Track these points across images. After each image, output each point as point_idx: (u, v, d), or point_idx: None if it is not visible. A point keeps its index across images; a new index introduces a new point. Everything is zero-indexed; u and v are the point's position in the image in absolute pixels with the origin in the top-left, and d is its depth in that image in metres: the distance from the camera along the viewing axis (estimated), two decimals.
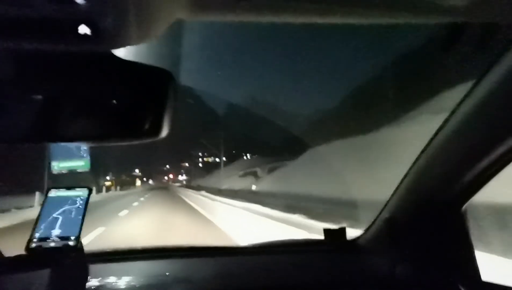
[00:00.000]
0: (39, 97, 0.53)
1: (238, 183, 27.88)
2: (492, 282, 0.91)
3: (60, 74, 0.53)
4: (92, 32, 0.39)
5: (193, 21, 0.53)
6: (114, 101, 0.55)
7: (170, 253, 1.30)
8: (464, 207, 0.94)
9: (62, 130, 0.54)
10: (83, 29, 0.39)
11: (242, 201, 15.83)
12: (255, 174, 28.83)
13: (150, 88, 0.55)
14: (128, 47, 0.49)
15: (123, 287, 0.98)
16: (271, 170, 25.64)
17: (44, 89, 0.53)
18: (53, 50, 0.46)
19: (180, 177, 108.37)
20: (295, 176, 17.75)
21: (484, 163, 0.80)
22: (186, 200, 20.19)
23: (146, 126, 0.55)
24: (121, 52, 0.53)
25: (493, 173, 0.82)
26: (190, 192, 32.81)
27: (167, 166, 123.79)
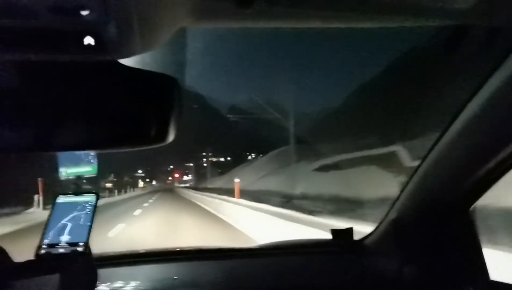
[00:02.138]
0: (46, 107, 0.55)
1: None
2: (501, 282, 0.93)
3: (66, 84, 0.55)
4: (96, 42, 0.40)
5: (196, 30, 0.56)
6: (120, 109, 0.57)
7: (177, 256, 1.34)
8: (471, 207, 0.96)
9: (69, 139, 0.57)
10: (88, 40, 0.40)
11: None
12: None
13: (156, 94, 0.57)
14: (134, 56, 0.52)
15: None
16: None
17: (51, 99, 0.55)
18: (59, 60, 0.49)
19: (186, 178, 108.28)
20: None
21: (492, 163, 0.82)
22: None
23: (153, 132, 0.57)
24: (126, 60, 0.56)
25: (501, 173, 0.84)
26: (210, 197, 18.28)
27: (171, 166, 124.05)
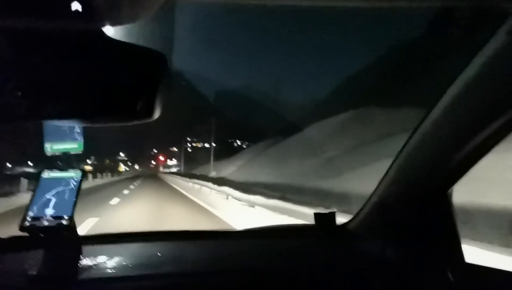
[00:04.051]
0: (28, 75, 0.56)
1: None
2: (475, 264, 1.00)
3: (50, 52, 0.55)
4: (84, 8, 0.41)
5: (186, 3, 0.57)
6: (105, 81, 0.58)
7: (162, 237, 1.39)
8: (449, 190, 1.01)
9: (50, 109, 0.57)
10: (76, 6, 0.40)
11: None
12: None
13: (143, 69, 0.58)
14: (121, 28, 0.53)
15: (115, 266, 1.05)
16: None
17: (34, 67, 0.56)
18: (45, 27, 0.49)
19: (170, 162, 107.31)
20: None
21: (469, 147, 0.86)
22: None
23: (138, 107, 0.58)
24: (114, 32, 0.57)
25: (478, 157, 0.89)
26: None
27: (155, 150, 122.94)
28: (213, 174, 29.86)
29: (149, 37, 0.70)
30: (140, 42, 0.58)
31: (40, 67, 0.56)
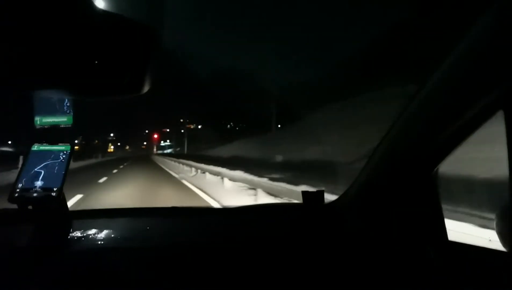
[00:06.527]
0: (18, 46, 0.58)
1: None
2: (458, 242, 1.05)
3: (40, 24, 0.57)
4: None
5: None
6: (95, 54, 0.60)
7: (151, 213, 1.44)
8: (434, 170, 1.05)
9: (39, 80, 0.60)
10: None
11: None
12: None
13: (133, 43, 0.60)
14: (113, 1, 0.55)
15: (104, 238, 1.08)
16: None
17: (23, 39, 0.57)
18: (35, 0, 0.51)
19: (163, 143, 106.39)
20: None
21: (453, 129, 0.90)
22: None
23: (128, 81, 0.61)
24: (104, 5, 0.59)
25: (461, 139, 0.93)
26: None
27: (146, 130, 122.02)
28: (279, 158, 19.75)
29: (139, 11, 0.71)
30: (130, 15, 0.60)
31: (30, 39, 0.57)
